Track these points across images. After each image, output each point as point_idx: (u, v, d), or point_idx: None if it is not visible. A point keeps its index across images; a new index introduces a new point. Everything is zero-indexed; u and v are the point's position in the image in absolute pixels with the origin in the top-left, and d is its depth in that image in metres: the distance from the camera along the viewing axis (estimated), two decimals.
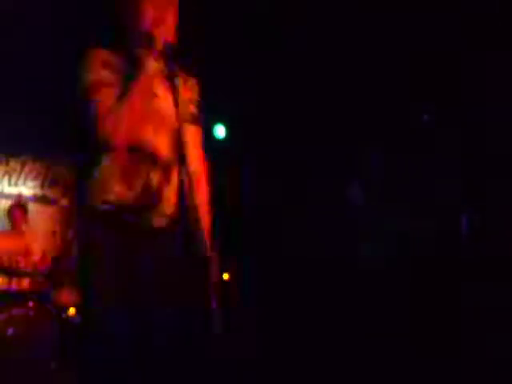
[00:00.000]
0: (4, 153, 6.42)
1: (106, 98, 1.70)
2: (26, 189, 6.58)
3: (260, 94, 5.21)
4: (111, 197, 1.74)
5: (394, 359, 3.50)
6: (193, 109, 1.93)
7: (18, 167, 6.57)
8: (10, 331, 3.63)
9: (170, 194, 1.85)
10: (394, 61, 4.20)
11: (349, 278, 4.47)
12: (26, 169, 6.62)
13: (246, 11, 4.34)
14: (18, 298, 4.10)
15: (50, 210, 6.60)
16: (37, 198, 6.61)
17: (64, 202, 4.82)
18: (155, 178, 1.78)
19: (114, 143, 1.69)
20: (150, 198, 1.77)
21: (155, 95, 1.81)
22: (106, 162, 1.76)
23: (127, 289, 1.69)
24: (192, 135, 1.84)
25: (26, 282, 4.77)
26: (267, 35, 4.56)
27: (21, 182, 6.56)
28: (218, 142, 6.10)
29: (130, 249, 1.72)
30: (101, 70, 1.76)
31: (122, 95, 1.69)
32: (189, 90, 1.94)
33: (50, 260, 5.05)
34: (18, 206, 5.31)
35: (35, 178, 6.66)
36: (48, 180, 6.73)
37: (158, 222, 1.81)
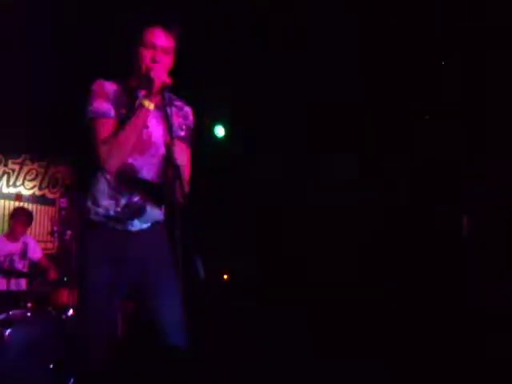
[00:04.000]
0: (3, 153, 6.41)
1: (105, 128, 2.06)
2: (25, 189, 6.57)
3: (260, 96, 5.20)
4: (100, 210, 2.16)
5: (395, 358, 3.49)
6: (182, 133, 2.22)
7: (17, 167, 6.56)
8: (8, 332, 3.61)
9: (154, 207, 2.21)
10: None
11: (350, 280, 4.46)
12: (25, 169, 6.60)
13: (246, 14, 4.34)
14: (16, 298, 4.08)
15: (48, 210, 6.59)
16: (35, 198, 6.60)
17: (62, 202, 4.79)
18: (138, 196, 2.16)
19: (107, 167, 2.06)
20: (133, 212, 2.16)
21: (146, 127, 2.14)
22: (100, 181, 2.17)
23: (116, 282, 2.08)
24: (181, 151, 2.08)
25: (24, 283, 4.76)
26: (266, 37, 4.55)
27: (19, 182, 6.55)
28: (218, 141, 6.11)
29: (117, 248, 2.12)
30: (104, 102, 2.10)
31: (119, 130, 2.04)
32: (180, 117, 2.25)
33: (49, 260, 5.04)
34: (23, 211, 5.26)
35: (34, 179, 6.65)
36: (46, 180, 6.72)
37: (141, 226, 2.20)
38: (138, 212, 2.17)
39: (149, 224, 2.21)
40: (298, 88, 4.92)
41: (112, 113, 2.10)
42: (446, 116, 3.80)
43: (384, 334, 3.79)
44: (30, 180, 6.62)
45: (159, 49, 2.12)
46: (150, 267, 2.15)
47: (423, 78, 3.98)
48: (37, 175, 6.68)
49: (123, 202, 2.15)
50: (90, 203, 2.19)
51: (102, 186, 2.16)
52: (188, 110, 2.33)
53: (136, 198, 2.17)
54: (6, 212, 6.30)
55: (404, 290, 3.89)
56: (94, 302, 2.07)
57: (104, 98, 2.11)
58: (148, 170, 2.18)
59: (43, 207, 6.62)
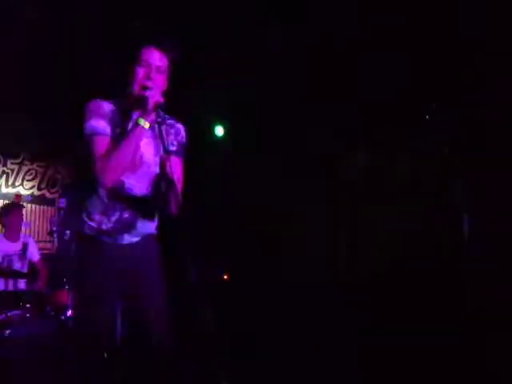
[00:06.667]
0: (1, 153, 6.40)
1: (101, 144, 2.17)
2: (24, 189, 6.56)
3: (259, 95, 5.20)
4: (93, 224, 2.31)
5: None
6: (174, 148, 2.33)
7: (16, 167, 6.55)
8: (8, 332, 3.60)
9: (145, 222, 2.35)
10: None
11: (348, 279, 4.46)
12: (24, 169, 6.59)
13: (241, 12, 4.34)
14: (15, 298, 4.07)
15: (47, 210, 6.58)
16: (34, 199, 6.59)
17: (61, 202, 4.78)
18: (129, 212, 2.30)
19: (103, 181, 2.16)
20: (123, 227, 2.30)
21: (139, 146, 2.23)
22: (94, 196, 2.31)
23: (107, 288, 2.25)
24: (175, 166, 2.19)
25: (23, 283, 4.75)
26: (262, 36, 4.55)
27: (18, 182, 6.54)
28: (218, 141, 6.13)
29: (107, 261, 2.28)
30: (100, 120, 2.20)
31: (115, 147, 2.15)
32: (172, 134, 2.36)
33: (44, 265, 5.01)
34: (13, 205, 5.25)
35: (33, 179, 6.64)
36: (45, 180, 6.71)
37: (131, 240, 2.34)
38: (128, 227, 2.32)
39: (138, 238, 2.36)
40: (298, 87, 4.92)
41: (108, 131, 2.21)
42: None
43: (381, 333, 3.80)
44: (29, 180, 6.61)
45: (154, 67, 2.22)
46: (138, 279, 2.31)
47: None
48: (36, 175, 6.66)
49: (114, 217, 2.29)
50: (84, 217, 2.35)
51: (96, 202, 2.31)
52: (179, 126, 2.43)
53: (127, 215, 2.31)
54: None
55: (403, 290, 3.90)
56: (90, 305, 2.26)
57: (100, 117, 2.21)
58: (140, 188, 2.31)
59: (42, 207, 6.61)
